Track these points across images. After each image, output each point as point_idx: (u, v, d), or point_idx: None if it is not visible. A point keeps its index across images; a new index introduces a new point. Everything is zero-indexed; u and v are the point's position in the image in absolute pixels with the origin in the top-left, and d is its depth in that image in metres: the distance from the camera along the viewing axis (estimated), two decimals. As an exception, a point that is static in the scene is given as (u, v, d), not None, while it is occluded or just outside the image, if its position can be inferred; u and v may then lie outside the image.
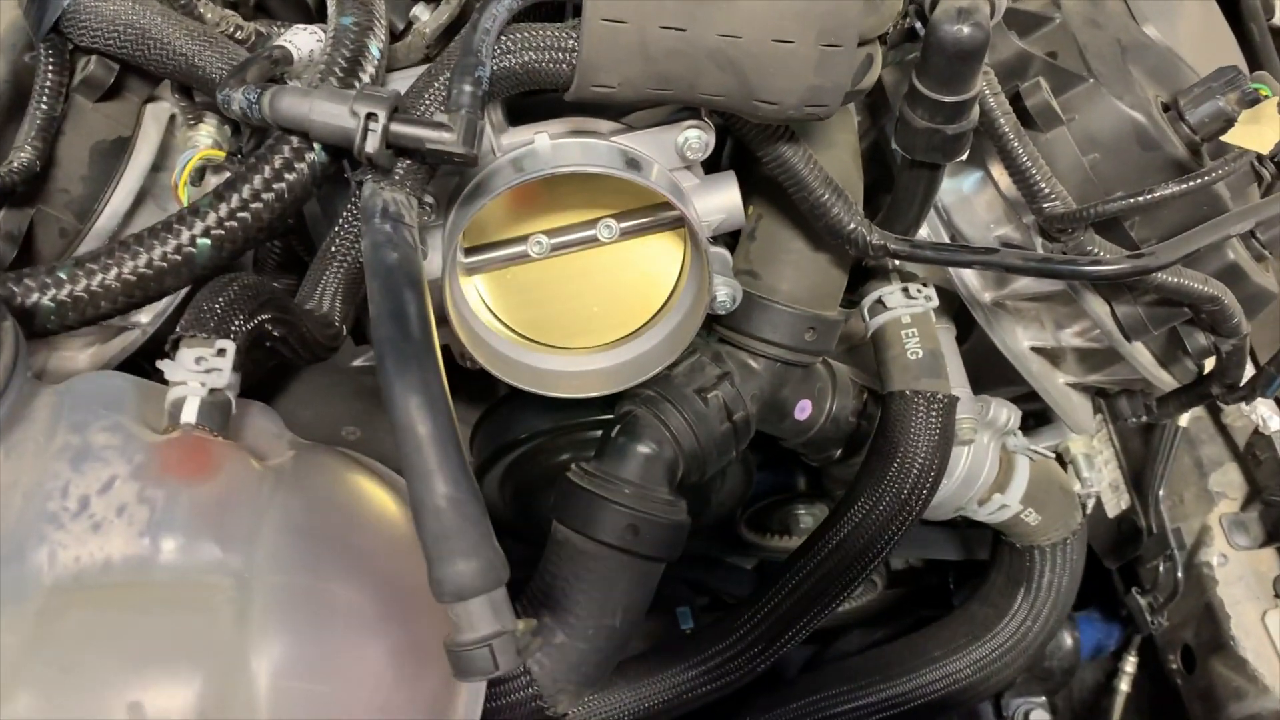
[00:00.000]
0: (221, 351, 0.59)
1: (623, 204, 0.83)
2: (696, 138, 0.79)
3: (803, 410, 0.97)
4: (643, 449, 0.88)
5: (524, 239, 0.83)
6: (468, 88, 0.66)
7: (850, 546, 0.92)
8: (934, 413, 0.90)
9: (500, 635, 0.55)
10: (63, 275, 0.63)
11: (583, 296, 0.85)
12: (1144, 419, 1.21)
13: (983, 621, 1.22)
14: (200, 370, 0.58)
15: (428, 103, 0.69)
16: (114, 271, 0.63)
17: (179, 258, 0.64)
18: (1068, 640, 1.44)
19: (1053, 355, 1.07)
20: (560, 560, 0.88)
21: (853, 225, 0.84)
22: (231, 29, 0.81)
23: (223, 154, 0.81)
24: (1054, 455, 1.28)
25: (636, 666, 0.95)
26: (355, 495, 0.63)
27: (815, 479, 1.20)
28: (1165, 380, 1.04)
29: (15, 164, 0.73)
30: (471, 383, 1.08)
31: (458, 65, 0.66)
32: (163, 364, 0.59)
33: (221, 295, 0.62)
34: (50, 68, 0.75)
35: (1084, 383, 1.10)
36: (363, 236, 0.65)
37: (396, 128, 0.64)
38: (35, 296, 0.63)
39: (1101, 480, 1.37)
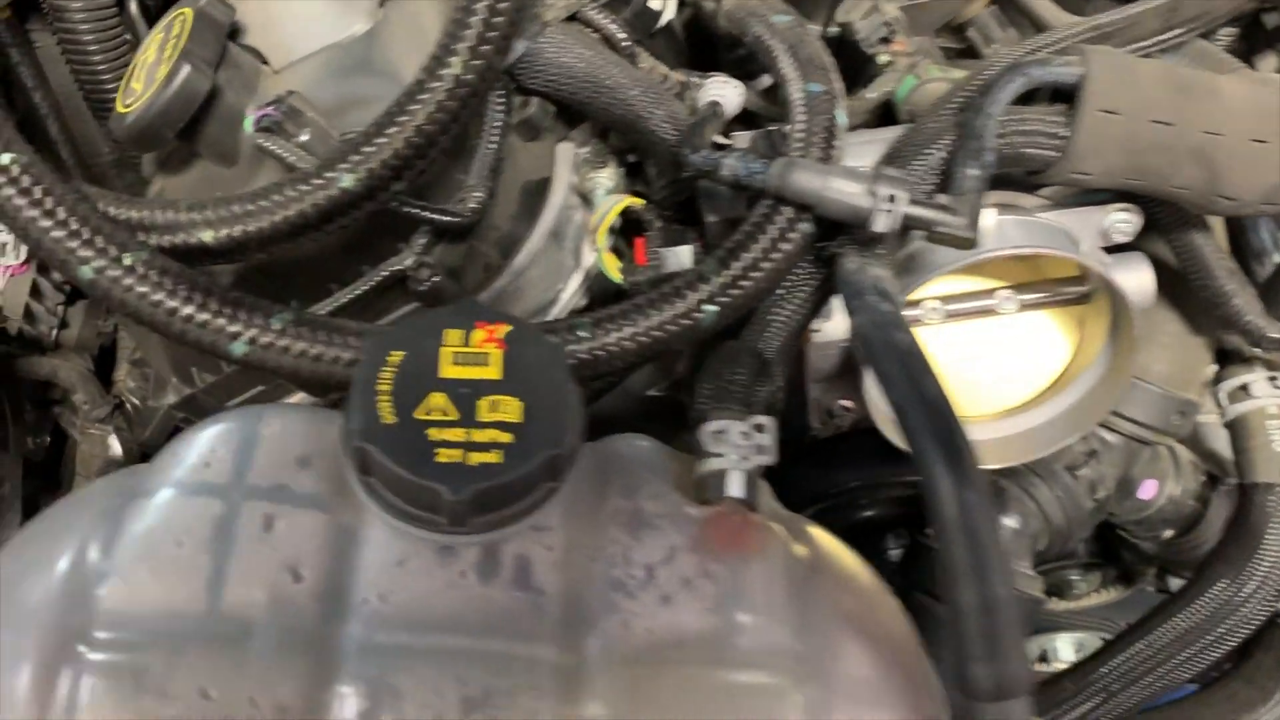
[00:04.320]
0: (760, 427, 0.59)
1: (1020, 276, 0.83)
2: (1126, 220, 0.78)
3: (1146, 490, 0.96)
4: (1008, 522, 0.88)
5: (917, 304, 0.83)
6: (973, 171, 0.66)
7: (1200, 632, 0.91)
8: (1303, 509, 0.89)
9: (1034, 736, 0.55)
10: (583, 333, 0.63)
11: (973, 365, 0.85)
12: None
13: (1245, 701, 1.20)
14: (747, 444, 0.58)
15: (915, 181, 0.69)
16: (628, 330, 0.64)
17: (688, 322, 0.64)
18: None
19: None
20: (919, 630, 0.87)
21: (1250, 317, 0.83)
22: (660, 78, 0.81)
23: (642, 202, 0.82)
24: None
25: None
26: (862, 574, 0.63)
27: (1100, 546, 1.19)
28: None
29: (472, 202, 0.74)
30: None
31: (964, 148, 0.66)
32: (702, 435, 0.59)
33: (741, 368, 0.62)
34: (499, 108, 0.76)
35: None
36: (854, 313, 0.65)
37: (911, 210, 0.64)
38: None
39: None
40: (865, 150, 0.74)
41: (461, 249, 0.78)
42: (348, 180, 0.62)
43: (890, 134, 0.76)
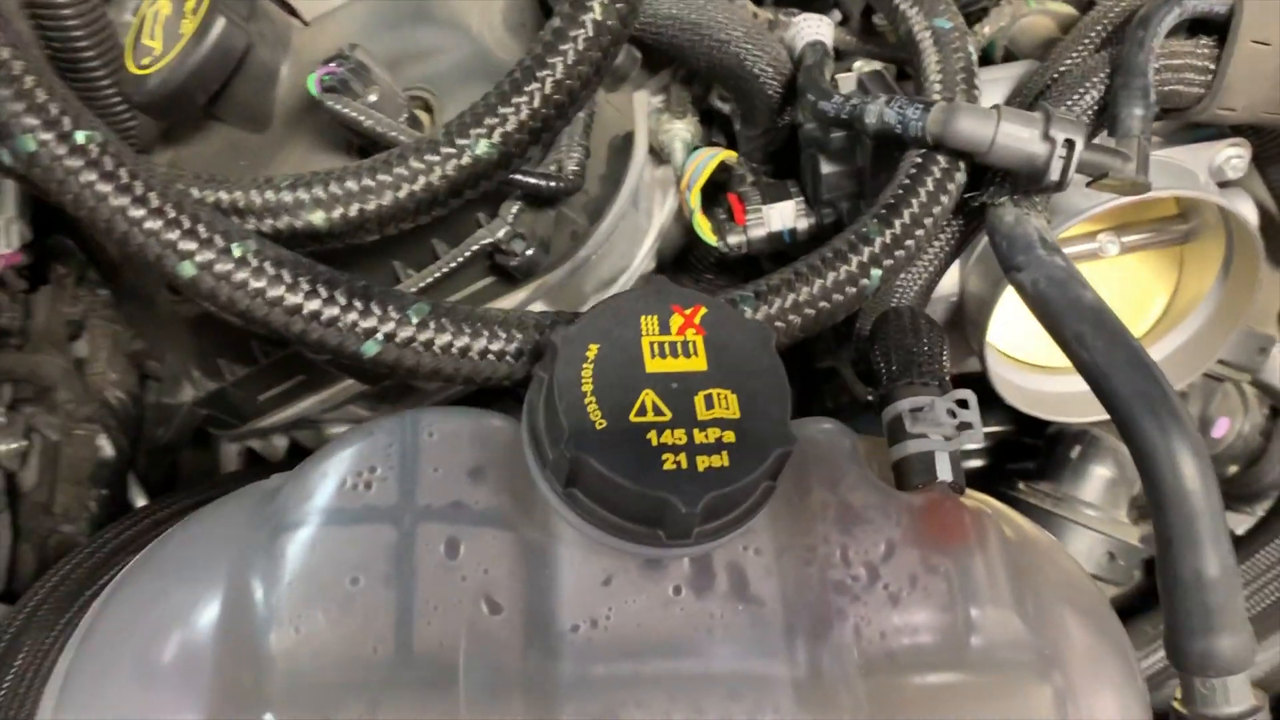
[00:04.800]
0: (964, 403, 0.54)
1: (1118, 218, 0.79)
2: (1239, 156, 0.75)
3: (1220, 428, 0.94)
4: (1103, 471, 0.85)
5: (1015, 251, 0.79)
6: (1138, 111, 0.61)
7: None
8: (1389, 439, 0.89)
9: (1257, 712, 0.53)
10: (745, 308, 0.57)
11: (1073, 313, 0.81)
12: None
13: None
14: (951, 422, 0.53)
15: (1071, 122, 0.64)
16: (791, 300, 0.58)
17: (853, 289, 0.58)
18: None
19: None
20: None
21: (1343, 250, 0.81)
22: (752, 17, 0.75)
23: (736, 155, 0.75)
24: None
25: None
26: (1048, 541, 0.59)
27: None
28: None
29: (572, 164, 0.67)
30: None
31: (1127, 87, 0.61)
32: (899, 414, 0.54)
33: (925, 337, 0.57)
34: (589, 57, 0.69)
35: None
36: (1021, 269, 0.61)
37: (1088, 156, 0.59)
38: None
39: None
40: (990, 90, 0.69)
41: (550, 217, 0.71)
42: (482, 147, 0.54)
43: (1012, 71, 0.72)
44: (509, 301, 0.73)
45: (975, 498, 0.56)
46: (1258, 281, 0.75)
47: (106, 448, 1.02)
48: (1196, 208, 0.78)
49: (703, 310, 0.49)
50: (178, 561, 0.49)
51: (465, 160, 0.54)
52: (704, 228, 0.74)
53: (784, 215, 0.73)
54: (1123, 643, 0.56)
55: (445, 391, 0.87)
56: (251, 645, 0.45)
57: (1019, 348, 0.81)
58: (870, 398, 0.76)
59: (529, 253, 0.68)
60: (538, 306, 0.75)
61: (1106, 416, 0.80)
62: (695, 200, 0.74)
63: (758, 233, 0.73)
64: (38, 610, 0.65)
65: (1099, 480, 0.85)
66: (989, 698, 0.49)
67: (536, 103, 0.54)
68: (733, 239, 0.74)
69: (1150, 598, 1.21)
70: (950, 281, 0.75)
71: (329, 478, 0.49)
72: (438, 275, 0.68)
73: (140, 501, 1.06)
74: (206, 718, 0.43)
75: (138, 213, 0.50)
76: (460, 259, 0.68)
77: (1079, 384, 0.81)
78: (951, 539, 0.52)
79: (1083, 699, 0.50)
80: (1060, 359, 0.81)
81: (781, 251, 0.77)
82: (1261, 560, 0.92)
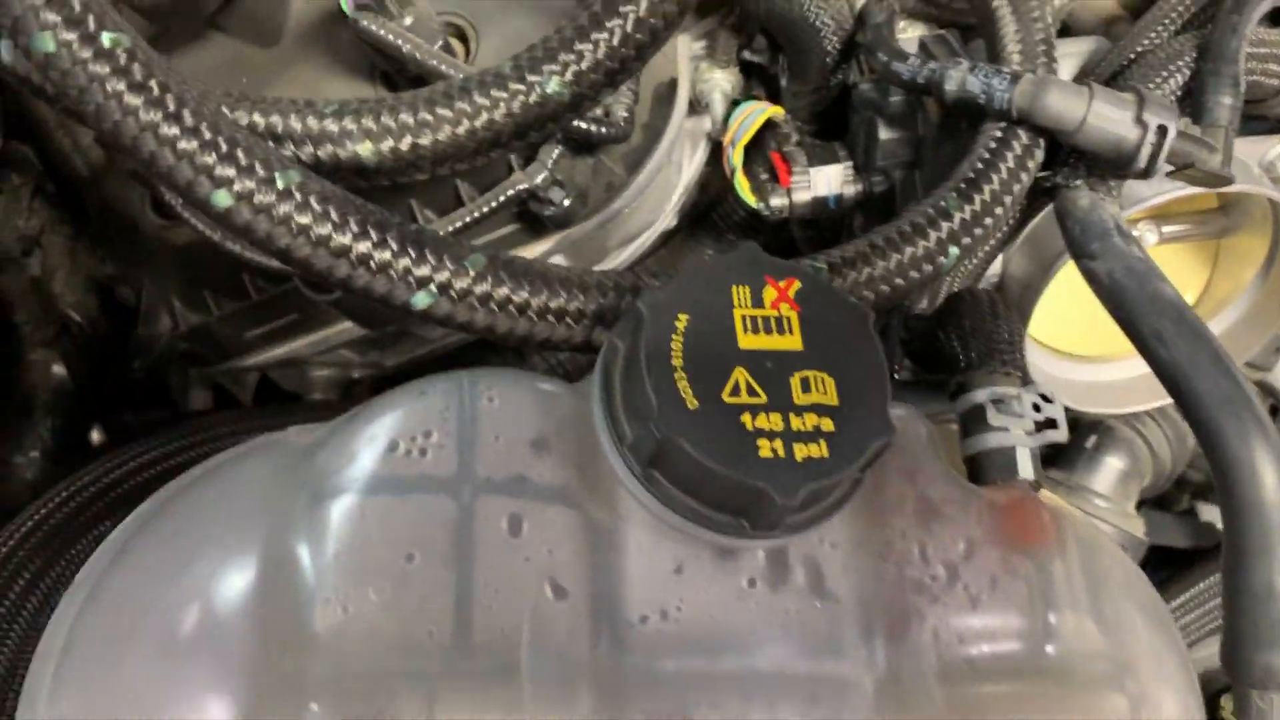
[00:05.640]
0: (1048, 399, 0.51)
1: (1161, 208, 0.77)
2: (1291, 154, 0.73)
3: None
4: (1116, 463, 0.84)
5: (1054, 235, 0.77)
6: (1226, 100, 0.59)
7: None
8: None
9: (1310, 727, 0.52)
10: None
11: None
12: None
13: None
14: (1038, 417, 0.50)
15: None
16: (866, 274, 0.54)
17: (930, 266, 0.55)
18: None
19: None
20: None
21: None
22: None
23: (783, 112, 0.71)
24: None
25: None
26: (1106, 538, 0.57)
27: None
28: None
29: (622, 109, 0.62)
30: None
31: (1218, 74, 0.59)
32: (979, 404, 0.51)
33: (1004, 322, 0.54)
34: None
35: None
36: (1095, 257, 0.58)
37: (1176, 144, 0.56)
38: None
39: None
40: (1060, 65, 0.66)
41: (589, 165, 0.67)
42: (554, 85, 0.49)
43: (1081, 47, 0.68)
44: (530, 253, 0.69)
45: (1047, 496, 0.54)
46: (1299, 277, 0.74)
47: (63, 374, 0.96)
48: (1240, 203, 0.76)
49: (796, 284, 0.45)
50: (201, 520, 0.44)
51: (534, 98, 0.49)
52: (744, 187, 0.70)
53: (830, 180, 0.69)
54: (1178, 640, 0.54)
55: (443, 341, 0.82)
56: (294, 623, 0.40)
57: (1052, 335, 0.79)
58: (895, 375, 0.74)
59: (566, 203, 0.64)
60: (559, 259, 0.71)
61: (1131, 410, 0.79)
62: (739, 157, 0.69)
63: (801, 196, 0.70)
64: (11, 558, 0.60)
65: (1112, 472, 0.84)
66: (1066, 708, 0.47)
67: (616, 40, 0.49)
68: (775, 201, 0.70)
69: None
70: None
71: (377, 440, 0.44)
72: (466, 221, 0.63)
73: (96, 436, 0.99)
74: (242, 704, 0.39)
75: (170, 131, 0.44)
76: (488, 207, 0.63)
77: (1109, 374, 0.80)
78: (1033, 540, 0.49)
79: (1152, 703, 0.49)
80: (1093, 348, 0.80)
81: (818, 218, 0.73)
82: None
